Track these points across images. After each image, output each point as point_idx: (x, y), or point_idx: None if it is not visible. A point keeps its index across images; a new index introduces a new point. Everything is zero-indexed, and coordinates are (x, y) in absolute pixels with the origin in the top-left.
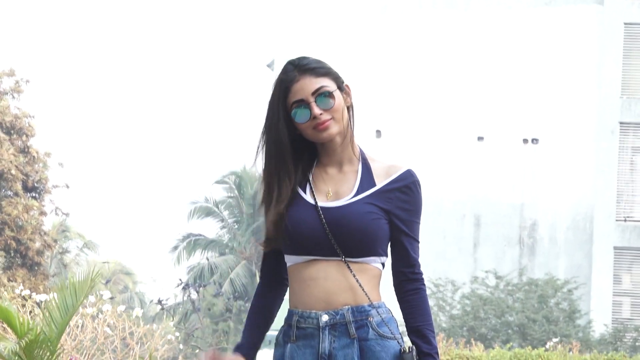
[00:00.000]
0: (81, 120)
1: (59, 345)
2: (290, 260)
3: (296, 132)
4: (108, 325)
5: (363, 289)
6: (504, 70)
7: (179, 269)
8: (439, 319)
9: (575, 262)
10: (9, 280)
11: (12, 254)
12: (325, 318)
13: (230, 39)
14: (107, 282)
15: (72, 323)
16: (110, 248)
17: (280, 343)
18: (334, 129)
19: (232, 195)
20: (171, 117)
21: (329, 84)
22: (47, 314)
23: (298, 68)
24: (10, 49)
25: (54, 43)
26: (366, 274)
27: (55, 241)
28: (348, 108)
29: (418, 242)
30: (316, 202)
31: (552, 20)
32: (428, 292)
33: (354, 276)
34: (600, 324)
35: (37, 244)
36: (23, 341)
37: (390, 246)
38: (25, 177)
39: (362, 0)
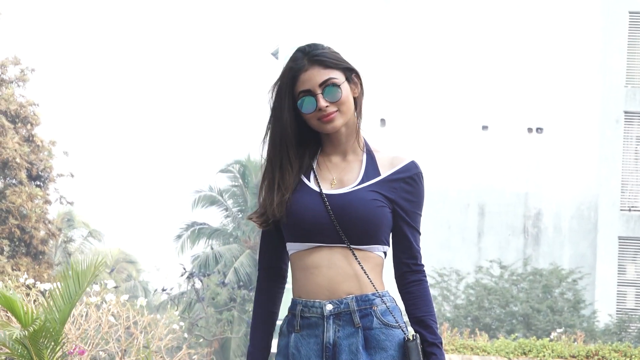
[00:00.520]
0: (86, 109)
1: (63, 334)
2: (292, 247)
3: (301, 119)
4: (112, 315)
5: (368, 277)
6: (509, 59)
7: (183, 258)
8: (443, 308)
9: (579, 251)
10: (13, 269)
11: (17, 243)
12: (329, 307)
13: (235, 27)
14: (112, 270)
15: (76, 312)
16: (114, 237)
17: (285, 333)
18: (339, 121)
19: (236, 184)
20: (176, 105)
21: (337, 76)
22: (51, 302)
23: (308, 57)
24: (16, 37)
25: (60, 31)
26: (370, 262)
27: (60, 230)
28: (356, 98)
29: (419, 233)
30: (321, 189)
31: (557, 9)
32: (432, 281)
33: (359, 263)
34: (604, 314)
35: (42, 233)
36: (27, 330)
37: (393, 238)
38: (29, 166)
39: None
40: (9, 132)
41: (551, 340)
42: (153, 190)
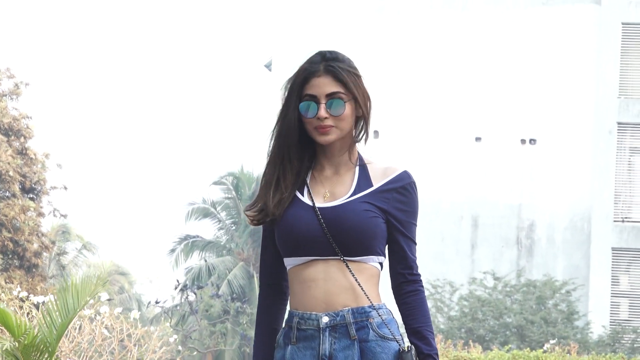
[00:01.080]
0: (80, 122)
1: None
2: (289, 262)
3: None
4: (106, 327)
5: (362, 289)
6: (502, 70)
7: (177, 272)
8: (437, 320)
9: (573, 263)
10: (6, 281)
11: (10, 256)
12: (325, 320)
13: (228, 40)
14: (104, 283)
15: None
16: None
17: (281, 345)
18: (333, 136)
19: (229, 196)
20: (168, 118)
21: (345, 92)
22: (47, 316)
23: (324, 63)
24: (9, 50)
25: (53, 44)
26: (364, 274)
27: (53, 242)
28: (358, 118)
29: (415, 243)
30: (314, 203)
31: (550, 21)
32: (426, 293)
33: (353, 276)
34: (598, 326)
35: (35, 246)
36: (20, 343)
37: (388, 248)
38: (23, 179)
39: (359, 0)
40: (2, 145)
41: (545, 352)
42: (146, 203)
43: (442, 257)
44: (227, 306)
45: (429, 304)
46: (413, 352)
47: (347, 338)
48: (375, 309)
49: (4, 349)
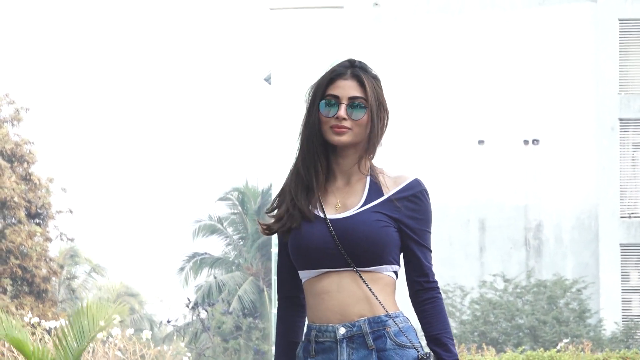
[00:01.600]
0: (82, 144)
1: None
2: (304, 275)
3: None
4: (119, 349)
5: (377, 298)
6: (501, 72)
7: (187, 289)
8: (450, 325)
9: (582, 261)
10: (17, 308)
11: (19, 282)
12: (342, 331)
13: (227, 54)
14: (121, 307)
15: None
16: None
17: (301, 358)
18: (347, 137)
19: (235, 211)
20: (170, 135)
21: (367, 99)
22: (62, 340)
23: (352, 69)
24: (7, 75)
25: (51, 67)
26: (378, 283)
27: (62, 267)
28: (372, 131)
29: (430, 250)
30: (325, 215)
31: (547, 20)
32: None
33: (367, 285)
34: (610, 322)
35: (43, 271)
36: None
37: (403, 256)
38: (28, 204)
39: (357, 9)
40: (5, 171)
41: (558, 351)
42: (153, 222)
43: (451, 262)
44: (239, 322)
45: None
46: (432, 358)
47: (365, 348)
48: (391, 317)
49: None
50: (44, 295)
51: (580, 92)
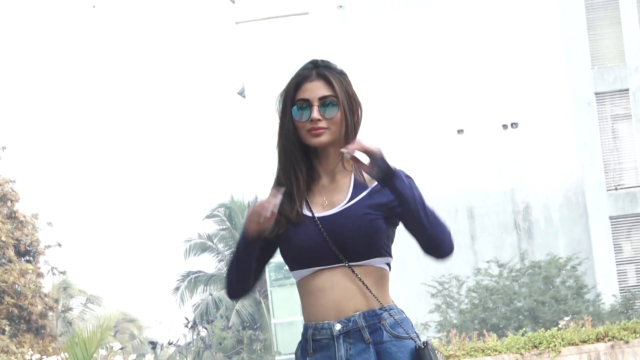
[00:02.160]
0: (62, 176)
1: None
2: (297, 275)
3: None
4: None
5: (371, 292)
6: (472, 59)
7: (184, 309)
8: (449, 316)
9: (574, 238)
10: (17, 347)
11: (17, 321)
12: (338, 327)
13: (199, 72)
14: (115, 332)
15: None
16: (112, 299)
17: (299, 357)
18: (325, 137)
19: (224, 227)
20: (151, 157)
21: (337, 96)
22: None
23: (316, 69)
24: None
25: (26, 102)
26: (372, 277)
27: (57, 301)
28: (348, 125)
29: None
30: (313, 214)
31: (512, 2)
32: (434, 291)
33: (360, 279)
34: (608, 296)
35: (39, 307)
36: None
37: (406, 230)
38: (16, 242)
39: (322, 13)
40: None
41: (560, 330)
42: (142, 246)
43: None
44: (239, 336)
45: (439, 300)
46: (430, 346)
47: (362, 342)
48: (386, 310)
49: None
50: (42, 331)
51: (553, 71)
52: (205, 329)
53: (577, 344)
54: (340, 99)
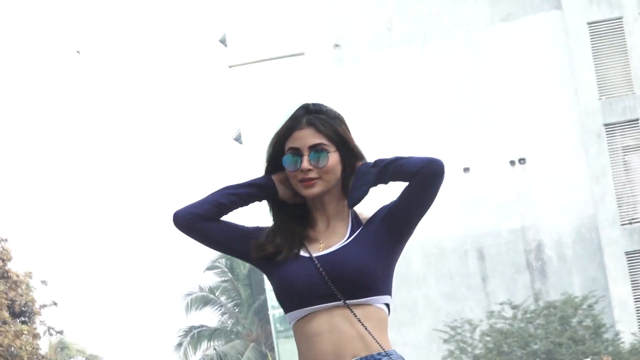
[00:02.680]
0: (56, 232)
1: None
2: (291, 317)
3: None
4: None
5: (372, 335)
6: (476, 95)
7: None
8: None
9: (589, 275)
10: None
11: None
12: None
13: (193, 120)
14: None
15: None
16: (113, 358)
17: None
18: (318, 189)
19: (225, 278)
20: (147, 210)
21: (329, 144)
22: None
23: (307, 116)
24: None
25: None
26: (372, 319)
27: None
28: (345, 167)
29: None
30: (310, 254)
31: (514, 35)
32: (446, 336)
33: (360, 321)
34: (628, 334)
35: None
36: None
37: (406, 200)
38: (10, 303)
39: (318, 54)
40: None
41: None
42: (141, 303)
43: (455, 296)
44: None
45: (452, 346)
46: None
47: None
48: (386, 355)
49: None
50: None
51: (560, 103)
52: None
53: None
54: (333, 146)
